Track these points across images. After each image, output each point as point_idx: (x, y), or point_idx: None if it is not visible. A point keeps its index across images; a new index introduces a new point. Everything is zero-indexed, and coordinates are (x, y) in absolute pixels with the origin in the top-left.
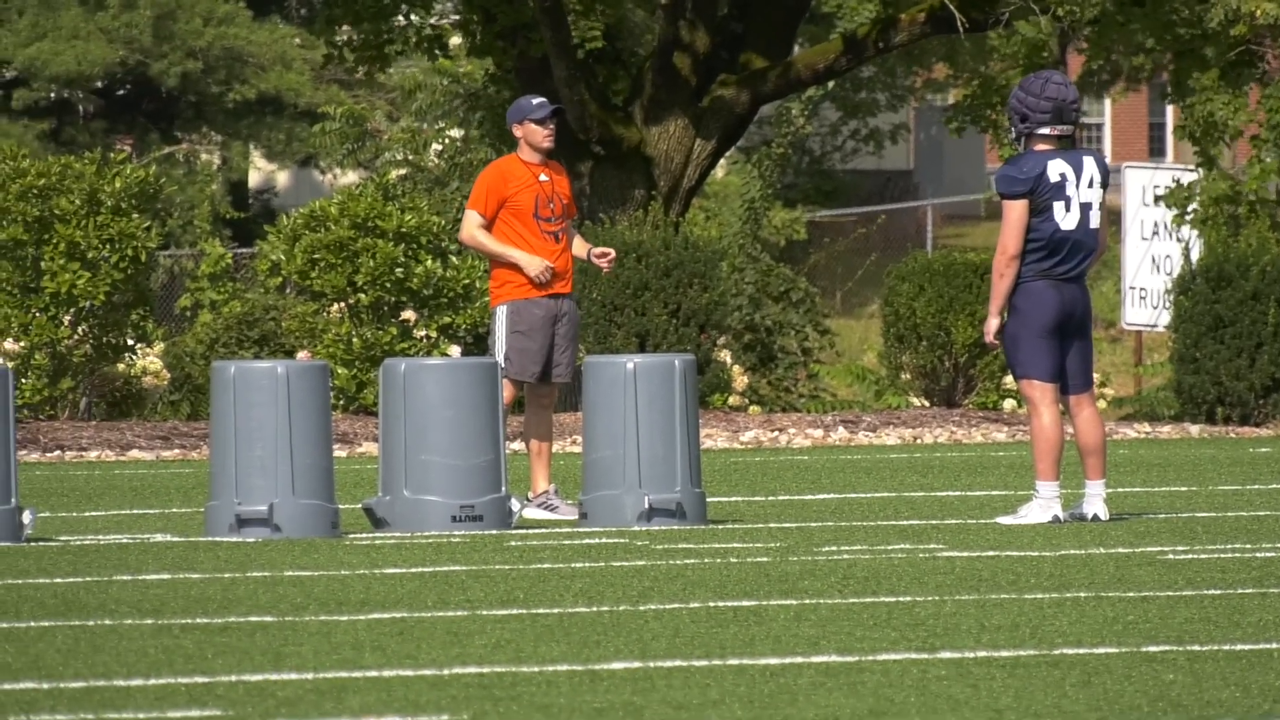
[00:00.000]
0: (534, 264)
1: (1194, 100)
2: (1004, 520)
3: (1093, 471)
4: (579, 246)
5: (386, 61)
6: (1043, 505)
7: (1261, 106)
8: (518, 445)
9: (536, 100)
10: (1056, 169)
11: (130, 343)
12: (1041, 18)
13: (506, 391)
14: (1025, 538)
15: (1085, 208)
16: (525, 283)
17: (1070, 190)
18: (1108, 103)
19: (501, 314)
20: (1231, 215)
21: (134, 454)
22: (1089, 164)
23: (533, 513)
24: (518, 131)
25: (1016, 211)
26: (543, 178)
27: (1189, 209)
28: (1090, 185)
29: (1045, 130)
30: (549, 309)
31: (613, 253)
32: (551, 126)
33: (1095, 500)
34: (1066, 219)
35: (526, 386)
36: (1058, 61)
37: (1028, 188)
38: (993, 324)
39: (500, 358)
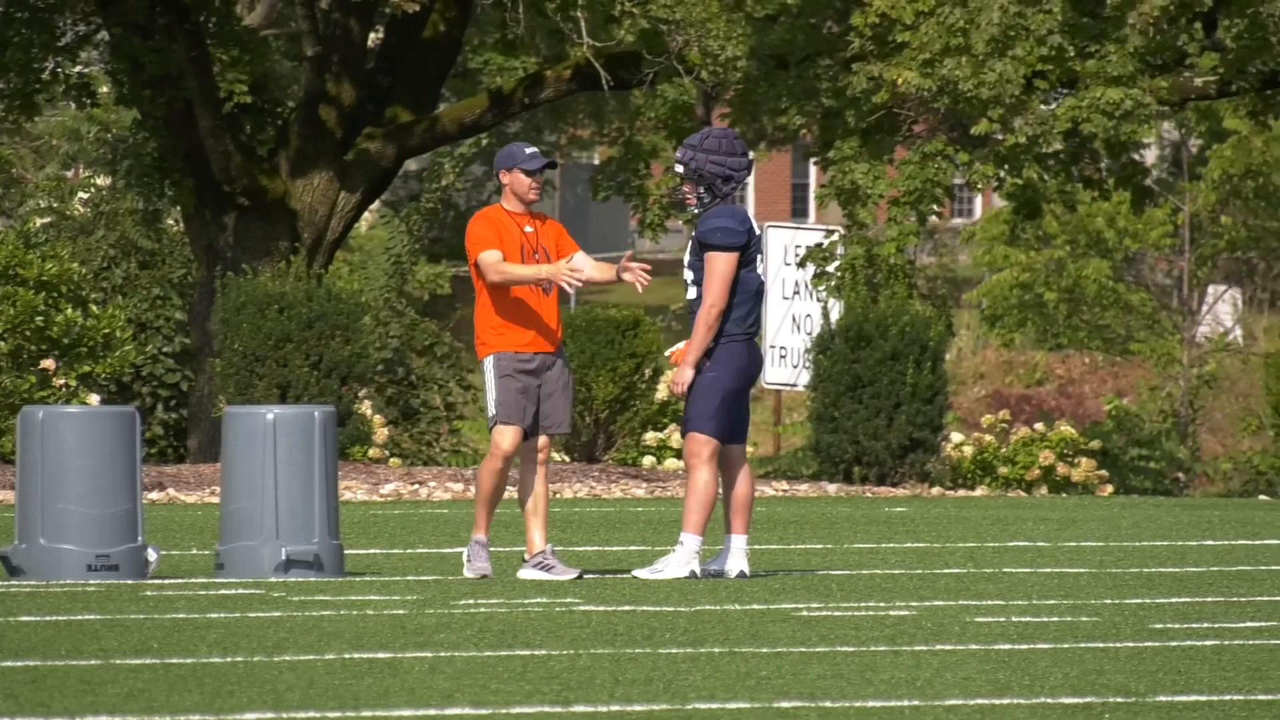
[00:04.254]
0: (555, 268)
1: (834, 170)
2: (641, 574)
3: (739, 526)
4: (602, 270)
5: (36, 110)
6: (683, 559)
7: (900, 173)
8: (155, 495)
9: (529, 150)
10: (752, 221)
11: None
12: (686, 79)
13: (508, 441)
14: (661, 593)
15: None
16: (511, 335)
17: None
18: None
19: (489, 364)
20: (870, 277)
21: None
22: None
23: (529, 573)
24: (504, 179)
25: (731, 264)
26: (528, 229)
27: (829, 269)
28: None
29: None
30: (536, 362)
31: (648, 266)
32: (541, 179)
33: (739, 555)
34: (761, 271)
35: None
36: (703, 123)
37: (744, 240)
38: (687, 375)
39: (491, 406)
